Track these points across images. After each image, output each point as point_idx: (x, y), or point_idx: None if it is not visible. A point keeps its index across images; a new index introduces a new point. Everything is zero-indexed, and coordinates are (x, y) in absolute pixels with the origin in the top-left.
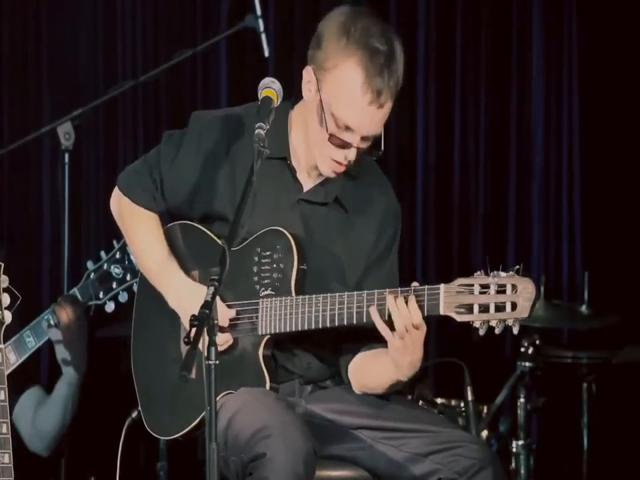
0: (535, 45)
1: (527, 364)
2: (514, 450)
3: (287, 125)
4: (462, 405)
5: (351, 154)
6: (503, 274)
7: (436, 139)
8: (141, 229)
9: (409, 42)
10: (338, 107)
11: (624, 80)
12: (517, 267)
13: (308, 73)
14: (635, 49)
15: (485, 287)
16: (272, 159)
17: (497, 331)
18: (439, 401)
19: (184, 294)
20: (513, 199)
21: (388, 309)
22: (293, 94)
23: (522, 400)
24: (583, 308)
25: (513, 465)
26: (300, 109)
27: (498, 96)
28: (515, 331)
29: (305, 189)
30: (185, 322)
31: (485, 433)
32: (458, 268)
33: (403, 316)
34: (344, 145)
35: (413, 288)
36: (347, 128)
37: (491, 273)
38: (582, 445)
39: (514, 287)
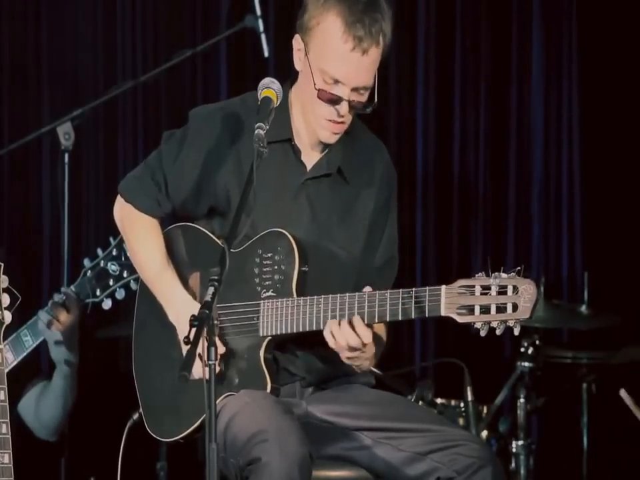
0: (535, 45)
1: (527, 364)
2: (514, 450)
3: (288, 106)
4: (462, 405)
5: (343, 108)
6: (504, 275)
7: (435, 139)
8: (140, 238)
9: (409, 41)
10: (323, 60)
11: (624, 80)
12: (518, 268)
13: (296, 41)
14: (634, 49)
15: (486, 288)
16: (276, 142)
17: (498, 332)
18: (439, 401)
19: (181, 310)
20: (512, 198)
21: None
22: (290, 74)
23: (522, 400)
24: (583, 308)
25: (513, 465)
26: (296, 86)
27: (498, 96)
28: (516, 332)
29: (309, 167)
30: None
31: (484, 433)
32: (458, 269)
33: (352, 341)
34: (335, 100)
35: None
36: (336, 81)
37: (492, 274)
38: (582, 445)
39: (515, 288)
